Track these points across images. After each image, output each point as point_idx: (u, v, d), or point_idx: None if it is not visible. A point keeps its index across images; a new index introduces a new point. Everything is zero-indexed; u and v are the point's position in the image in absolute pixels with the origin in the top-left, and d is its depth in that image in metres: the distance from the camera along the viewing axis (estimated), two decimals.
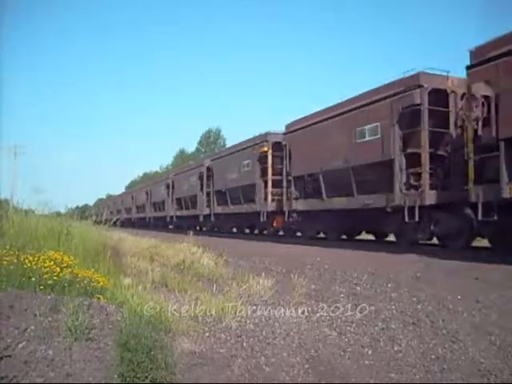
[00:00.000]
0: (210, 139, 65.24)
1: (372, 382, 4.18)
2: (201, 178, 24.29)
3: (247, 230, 22.35)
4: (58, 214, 10.66)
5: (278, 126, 17.67)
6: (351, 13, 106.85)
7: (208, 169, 23.51)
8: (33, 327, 4.17)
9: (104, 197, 78.22)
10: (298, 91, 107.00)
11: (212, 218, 22.72)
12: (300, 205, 14.81)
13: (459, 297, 5.77)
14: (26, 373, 3.49)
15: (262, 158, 17.52)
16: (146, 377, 3.55)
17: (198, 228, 26.75)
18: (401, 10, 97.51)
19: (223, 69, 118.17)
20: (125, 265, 9.07)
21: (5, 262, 5.41)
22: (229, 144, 48.15)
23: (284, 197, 15.60)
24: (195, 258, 9.77)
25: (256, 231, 21.15)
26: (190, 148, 69.97)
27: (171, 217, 30.13)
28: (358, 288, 6.81)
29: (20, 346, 3.84)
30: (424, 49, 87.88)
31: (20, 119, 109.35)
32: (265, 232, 19.57)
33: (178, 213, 28.87)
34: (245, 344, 4.86)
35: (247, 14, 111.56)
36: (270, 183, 17.15)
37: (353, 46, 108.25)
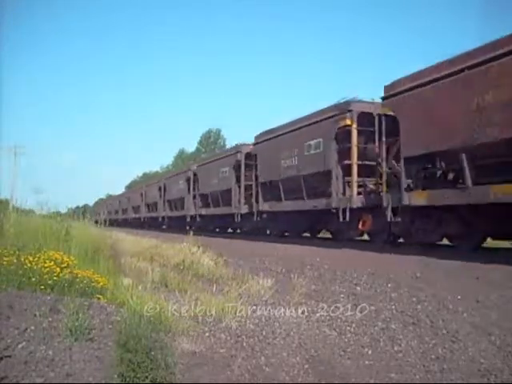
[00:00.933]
0: (210, 139, 65.31)
1: (372, 382, 4.18)
2: (236, 168, 19.43)
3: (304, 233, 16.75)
4: (58, 213, 10.68)
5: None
6: (351, 13, 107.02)
7: (248, 156, 18.45)
8: (33, 327, 4.16)
9: (104, 197, 78.24)
10: (297, 91, 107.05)
11: (255, 218, 17.73)
12: (417, 198, 9.91)
13: (459, 297, 5.77)
14: (25, 373, 3.48)
15: (341, 136, 12.48)
16: (146, 377, 3.55)
17: (231, 230, 23.14)
18: (401, 10, 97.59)
19: (223, 69, 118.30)
20: (125, 265, 9.08)
21: (5, 262, 5.41)
22: (229, 144, 47.91)
23: (383, 187, 10.91)
24: (195, 258, 9.78)
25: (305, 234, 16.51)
26: (191, 148, 70.11)
27: (193, 216, 25.06)
28: (358, 288, 6.80)
29: (20, 346, 3.84)
30: (424, 49, 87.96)
31: (20, 119, 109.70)
32: (339, 237, 14.13)
33: (203, 211, 23.71)
34: (245, 344, 4.86)
35: (247, 14, 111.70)
36: (354, 169, 12.07)
37: (353, 46, 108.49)
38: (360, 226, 12.43)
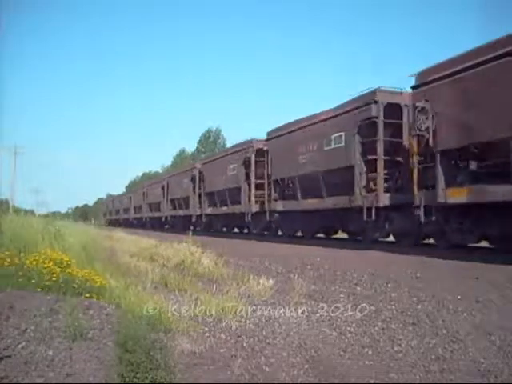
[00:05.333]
0: (210, 139, 65.26)
1: (372, 382, 4.17)
2: (246, 165, 18.44)
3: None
4: (58, 213, 10.69)
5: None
6: (351, 13, 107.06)
7: (259, 152, 17.53)
8: (33, 327, 4.16)
9: (104, 197, 78.24)
10: (297, 91, 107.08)
11: (267, 217, 16.89)
12: (455, 195, 8.91)
13: (459, 297, 5.78)
14: (25, 373, 3.48)
15: (366, 129, 11.50)
16: (146, 377, 3.55)
17: (238, 230, 22.28)
18: (400, 10, 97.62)
19: (223, 69, 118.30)
20: (124, 265, 9.07)
21: (5, 263, 5.40)
22: (229, 144, 47.77)
23: (414, 184, 9.72)
24: (195, 258, 9.76)
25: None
26: (191, 148, 70.08)
27: (199, 216, 24.13)
28: (358, 288, 6.80)
29: (20, 346, 3.83)
30: (424, 49, 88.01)
31: (20, 119, 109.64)
32: None
33: (210, 210, 22.78)
34: (245, 344, 4.86)
35: (247, 13, 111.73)
36: (381, 165, 11.13)
37: (352, 45, 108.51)
38: (387, 226, 11.28)
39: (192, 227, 24.76)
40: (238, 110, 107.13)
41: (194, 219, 24.67)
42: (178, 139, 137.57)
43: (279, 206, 15.85)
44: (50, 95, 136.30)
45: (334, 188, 12.78)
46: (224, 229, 23.56)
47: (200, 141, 66.12)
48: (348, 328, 5.31)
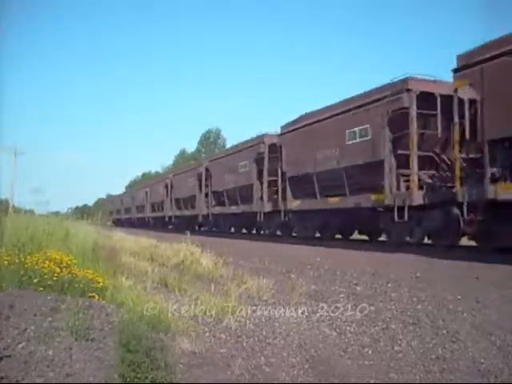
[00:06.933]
0: (210, 139, 65.36)
1: (372, 382, 4.17)
2: (393, 124, 10.87)
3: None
4: (58, 213, 10.70)
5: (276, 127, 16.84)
6: (351, 13, 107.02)
7: (423, 97, 10.33)
8: (33, 327, 4.16)
9: (104, 196, 78.10)
10: (296, 91, 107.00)
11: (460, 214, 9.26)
12: None
13: (459, 297, 5.78)
14: (26, 373, 3.48)
15: None
16: (146, 377, 3.55)
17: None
18: (400, 10, 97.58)
19: (223, 69, 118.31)
20: (124, 264, 9.06)
21: (5, 262, 5.40)
22: (229, 144, 47.70)
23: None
24: (195, 258, 9.75)
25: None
26: (191, 148, 70.15)
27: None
28: (358, 288, 6.80)
29: (20, 346, 3.83)
30: (424, 49, 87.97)
31: (20, 119, 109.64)
32: None
33: (296, 205, 15.56)
34: (245, 344, 4.86)
35: (248, 13, 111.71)
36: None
37: (352, 46, 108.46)
38: None
39: (263, 230, 20.08)
40: (238, 110, 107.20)
41: (260, 218, 18.75)
42: (178, 139, 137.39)
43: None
44: (50, 95, 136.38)
45: None
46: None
47: (200, 141, 66.28)
48: (348, 328, 5.30)
